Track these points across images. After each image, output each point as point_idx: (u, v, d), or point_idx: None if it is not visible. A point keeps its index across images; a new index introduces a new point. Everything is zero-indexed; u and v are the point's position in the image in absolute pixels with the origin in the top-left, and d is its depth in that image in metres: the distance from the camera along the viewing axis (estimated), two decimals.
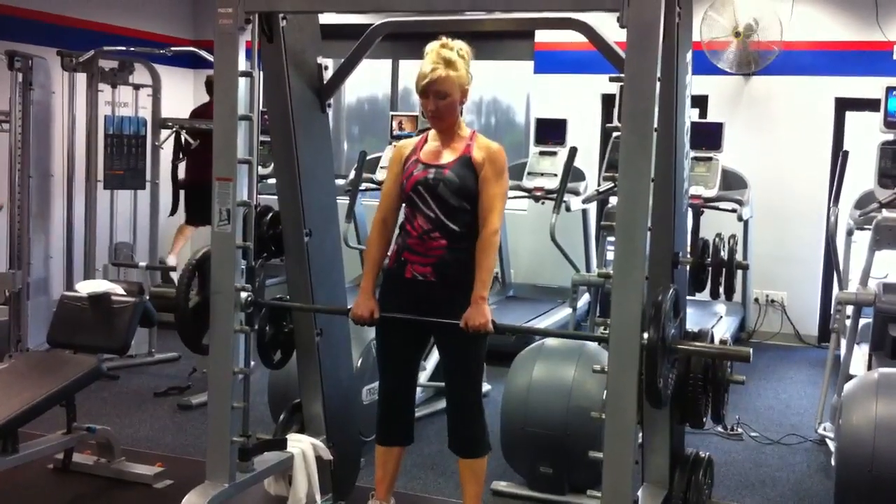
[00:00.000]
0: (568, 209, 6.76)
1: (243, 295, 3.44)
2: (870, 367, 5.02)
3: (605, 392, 2.88)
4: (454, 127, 3.49)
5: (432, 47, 3.43)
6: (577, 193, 7.07)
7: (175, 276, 7.04)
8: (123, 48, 6.83)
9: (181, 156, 7.22)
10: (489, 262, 3.38)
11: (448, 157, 3.47)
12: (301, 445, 3.80)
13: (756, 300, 7.79)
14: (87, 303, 4.42)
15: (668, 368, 2.97)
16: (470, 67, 3.46)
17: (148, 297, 4.56)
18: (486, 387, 3.44)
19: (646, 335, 2.82)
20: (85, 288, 4.52)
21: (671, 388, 3.06)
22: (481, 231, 3.41)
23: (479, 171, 3.43)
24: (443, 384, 3.63)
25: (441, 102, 3.40)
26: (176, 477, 4.36)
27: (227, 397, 3.41)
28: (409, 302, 3.48)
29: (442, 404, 3.99)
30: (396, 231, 3.62)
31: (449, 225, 3.44)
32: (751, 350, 3.07)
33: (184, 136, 6.97)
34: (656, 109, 2.80)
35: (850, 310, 5.25)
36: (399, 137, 7.21)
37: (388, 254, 3.61)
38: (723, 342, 3.58)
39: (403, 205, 3.58)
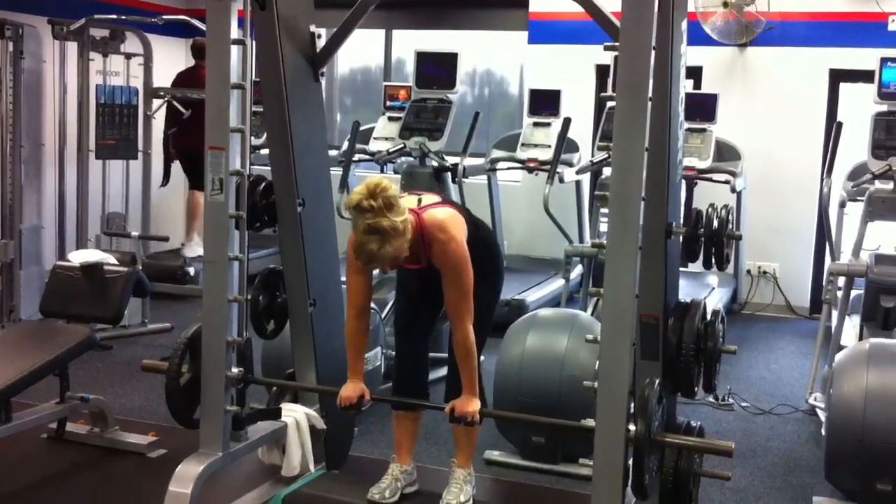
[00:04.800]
0: (561, 180, 6.75)
1: (235, 370, 3.45)
2: (861, 338, 5.04)
3: (598, 362, 2.89)
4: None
5: (354, 216, 3.06)
6: (570, 164, 7.06)
7: (188, 251, 7.09)
8: (115, 17, 6.78)
9: (173, 126, 7.18)
10: (469, 367, 3.31)
11: (419, 261, 3.32)
12: (295, 415, 3.81)
13: (748, 271, 7.80)
14: (79, 272, 4.42)
15: (653, 461, 3.02)
16: (399, 207, 3.09)
17: (140, 267, 4.56)
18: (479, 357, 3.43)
19: (632, 427, 2.85)
20: (78, 257, 4.51)
21: (655, 473, 3.11)
22: (454, 336, 3.30)
23: None
24: (440, 354, 3.62)
25: (390, 264, 3.20)
26: (169, 446, 4.38)
27: (221, 367, 3.42)
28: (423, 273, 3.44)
29: (440, 373, 3.99)
30: None
31: None
32: (732, 444, 3.07)
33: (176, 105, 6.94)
34: (651, 79, 2.80)
35: (841, 281, 5.26)
36: (392, 108, 7.18)
37: None
38: (715, 313, 3.59)
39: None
